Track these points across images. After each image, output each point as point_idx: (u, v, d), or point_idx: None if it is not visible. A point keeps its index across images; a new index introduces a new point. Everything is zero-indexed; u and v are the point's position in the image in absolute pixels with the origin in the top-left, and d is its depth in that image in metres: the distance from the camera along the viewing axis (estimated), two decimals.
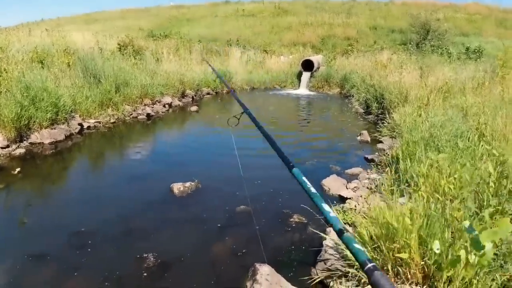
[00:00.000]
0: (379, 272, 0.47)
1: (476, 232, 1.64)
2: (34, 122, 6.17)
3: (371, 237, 2.62)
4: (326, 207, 0.61)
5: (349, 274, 2.52)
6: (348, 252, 2.62)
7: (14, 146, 5.76)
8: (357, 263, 2.50)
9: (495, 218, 2.70)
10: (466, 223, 1.76)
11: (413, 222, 2.41)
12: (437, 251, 2.05)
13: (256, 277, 2.56)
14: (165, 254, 3.08)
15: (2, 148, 5.57)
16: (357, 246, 0.53)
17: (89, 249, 3.19)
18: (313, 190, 0.66)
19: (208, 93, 12.95)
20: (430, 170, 3.36)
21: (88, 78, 8.25)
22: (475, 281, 2.14)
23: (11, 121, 5.70)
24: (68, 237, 3.37)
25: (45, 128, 6.29)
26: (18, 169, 4.92)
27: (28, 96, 6.17)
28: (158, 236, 3.44)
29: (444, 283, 2.21)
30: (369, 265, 0.47)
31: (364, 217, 2.93)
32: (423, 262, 2.37)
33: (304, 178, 0.71)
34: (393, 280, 2.38)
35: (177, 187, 4.39)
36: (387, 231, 2.51)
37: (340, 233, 0.57)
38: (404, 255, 2.26)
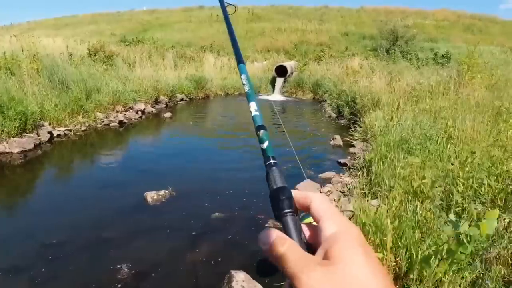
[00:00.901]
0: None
1: (463, 226, 1.71)
2: (2, 131, 5.96)
3: None
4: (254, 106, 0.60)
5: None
6: None
7: None
8: None
9: (463, 216, 2.82)
10: (452, 217, 1.84)
11: (392, 222, 2.47)
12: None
13: (232, 284, 2.56)
14: (139, 264, 3.03)
15: None
16: (265, 145, 0.53)
17: (61, 261, 3.10)
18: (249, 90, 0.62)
19: (182, 99, 12.86)
20: (403, 172, 3.46)
21: (56, 84, 8.04)
22: (445, 280, 2.21)
23: None
24: (38, 249, 3.27)
25: (13, 137, 6.08)
26: None
27: None
28: (132, 245, 3.38)
29: (416, 281, 2.28)
30: (268, 162, 0.48)
31: None
32: (395, 263, 2.43)
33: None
34: None
35: (151, 196, 4.32)
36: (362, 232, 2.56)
37: (256, 129, 0.56)
38: (378, 254, 2.32)
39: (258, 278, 2.69)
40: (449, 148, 4.35)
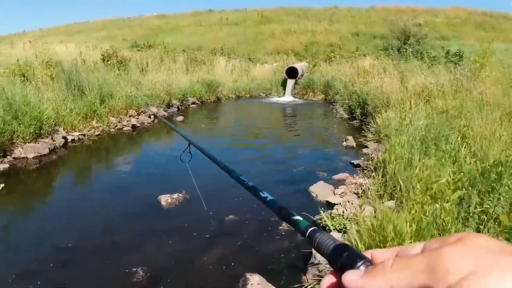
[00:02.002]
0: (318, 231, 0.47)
1: None
2: (17, 136, 6.07)
3: (364, 244, 2.64)
4: (263, 194, 0.64)
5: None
6: None
7: None
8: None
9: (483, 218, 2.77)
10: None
11: (410, 225, 2.44)
12: None
13: (247, 286, 2.56)
14: (154, 267, 3.05)
15: None
16: (296, 217, 0.54)
17: (75, 264, 3.14)
18: (251, 183, 0.68)
19: (193, 103, 12.94)
20: (420, 174, 3.41)
21: (72, 90, 8.16)
22: None
23: None
24: (54, 253, 3.31)
25: (28, 143, 6.18)
26: (1, 185, 4.82)
27: (10, 111, 6.07)
28: (146, 248, 3.41)
29: None
30: (310, 229, 0.48)
31: (357, 223, 2.95)
32: None
33: (242, 176, 0.75)
34: None
35: (165, 199, 4.36)
36: (380, 237, 2.54)
37: (278, 211, 0.58)
38: None
39: (273, 280, 2.69)
40: (465, 147, 4.29)
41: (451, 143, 4.49)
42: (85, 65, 10.36)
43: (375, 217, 2.76)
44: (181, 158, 2.23)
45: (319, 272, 2.73)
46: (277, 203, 0.59)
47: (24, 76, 8.37)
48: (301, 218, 0.52)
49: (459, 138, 4.65)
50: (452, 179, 2.90)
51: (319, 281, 2.65)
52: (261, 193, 0.64)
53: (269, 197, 0.61)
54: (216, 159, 1.03)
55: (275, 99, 15.04)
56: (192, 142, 1.63)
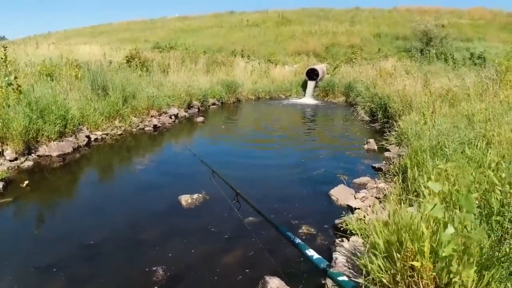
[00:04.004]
0: None
1: None
2: (42, 135, 6.23)
3: (384, 245, 2.61)
4: (309, 252, 0.65)
5: (359, 284, 2.51)
6: (358, 262, 2.61)
7: (22, 159, 5.80)
8: (366, 273, 2.49)
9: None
10: None
11: (428, 227, 2.39)
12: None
13: None
14: (174, 266, 3.08)
15: (10, 161, 5.61)
16: (341, 278, 0.55)
17: (97, 261, 3.21)
18: (297, 240, 0.71)
19: (214, 104, 13.02)
20: (439, 178, 3.34)
21: (96, 90, 8.33)
22: None
23: (20, 134, 5.76)
24: (77, 249, 3.39)
25: (53, 141, 6.34)
26: (26, 182, 4.96)
27: (36, 109, 6.24)
28: (166, 247, 3.45)
29: None
30: None
31: (377, 223, 2.92)
32: (435, 273, 2.35)
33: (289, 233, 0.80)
34: None
35: (185, 199, 4.40)
36: (399, 238, 2.50)
37: (325, 270, 0.60)
38: (416, 263, 2.25)
39: (292, 284, 2.68)
40: (490, 153, 4.17)
41: (476, 148, 4.38)
42: (110, 66, 10.56)
43: (389, 219, 2.72)
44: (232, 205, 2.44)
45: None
46: (324, 262, 0.60)
47: (50, 76, 8.60)
48: (346, 279, 0.54)
49: (484, 144, 4.53)
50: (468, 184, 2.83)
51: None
52: (307, 251, 0.66)
53: (316, 256, 0.63)
54: (264, 213, 1.06)
55: (295, 100, 14.99)
56: (239, 192, 1.73)
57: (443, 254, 1.97)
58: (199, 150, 7.59)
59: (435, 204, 2.00)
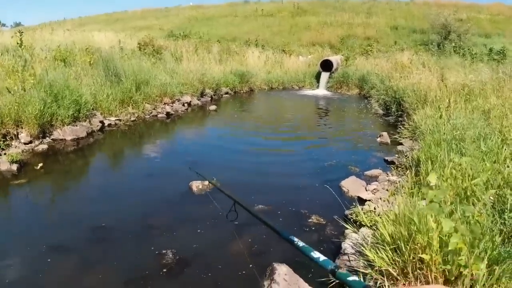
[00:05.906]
0: None
1: None
2: (57, 119, 6.31)
3: (392, 237, 2.59)
4: (315, 254, 0.65)
5: (368, 276, 2.50)
6: (367, 253, 2.60)
7: (37, 142, 5.90)
8: (375, 264, 2.48)
9: None
10: None
11: (435, 220, 2.36)
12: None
13: (274, 276, 2.57)
14: (183, 251, 3.11)
15: (25, 144, 5.71)
16: (351, 278, 0.55)
17: (108, 244, 3.26)
18: (301, 243, 0.71)
19: (226, 93, 13.00)
20: (452, 173, 3.30)
21: (110, 76, 8.38)
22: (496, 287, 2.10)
23: (35, 118, 5.84)
24: (88, 232, 3.45)
25: (67, 125, 6.42)
26: (40, 165, 5.04)
27: (51, 94, 6.31)
28: (176, 232, 3.48)
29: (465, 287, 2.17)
30: None
31: (385, 215, 2.90)
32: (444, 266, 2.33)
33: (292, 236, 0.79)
34: (413, 284, 2.34)
35: (196, 185, 4.43)
36: (408, 230, 2.48)
37: (333, 272, 0.59)
38: (426, 256, 2.23)
39: (300, 272, 2.68)
40: (505, 150, 4.09)
41: (492, 143, 4.30)
42: (123, 53, 10.60)
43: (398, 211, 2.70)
44: (227, 217, 2.45)
45: (349, 262, 2.71)
46: (331, 263, 0.60)
47: (64, 62, 8.67)
48: (356, 279, 0.53)
49: (499, 139, 4.44)
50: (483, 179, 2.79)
51: None
52: (312, 254, 0.66)
53: (322, 258, 0.62)
54: (264, 219, 1.05)
55: (309, 91, 14.88)
56: (237, 201, 1.71)
57: (449, 248, 1.95)
58: (211, 137, 7.64)
59: (431, 200, 1.97)
